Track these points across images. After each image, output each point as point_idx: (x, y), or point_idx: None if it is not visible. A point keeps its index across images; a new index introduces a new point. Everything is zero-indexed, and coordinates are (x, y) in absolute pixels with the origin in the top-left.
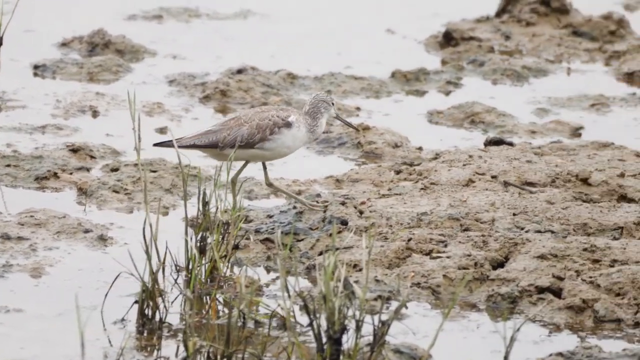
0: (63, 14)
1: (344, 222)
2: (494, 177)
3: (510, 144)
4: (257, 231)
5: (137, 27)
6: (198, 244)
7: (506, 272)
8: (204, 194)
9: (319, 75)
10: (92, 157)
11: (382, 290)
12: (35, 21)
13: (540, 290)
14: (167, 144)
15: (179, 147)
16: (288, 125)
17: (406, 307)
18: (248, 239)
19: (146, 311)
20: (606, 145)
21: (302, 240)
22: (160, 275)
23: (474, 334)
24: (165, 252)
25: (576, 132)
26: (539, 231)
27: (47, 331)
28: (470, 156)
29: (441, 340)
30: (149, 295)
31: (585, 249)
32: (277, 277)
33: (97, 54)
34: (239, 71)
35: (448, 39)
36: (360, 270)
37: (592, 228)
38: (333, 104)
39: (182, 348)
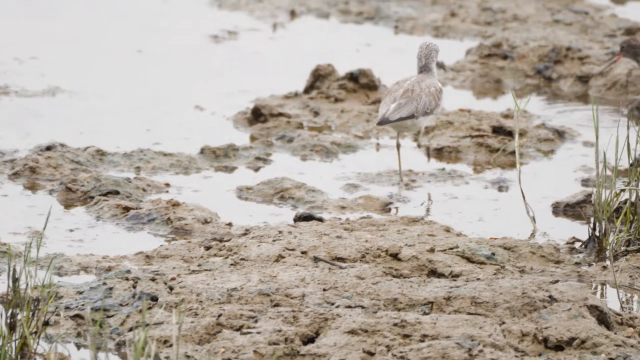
0: None
1: (154, 298)
2: (304, 252)
3: (320, 220)
4: (67, 307)
5: None
6: (8, 321)
7: (317, 347)
8: (14, 270)
9: (128, 151)
10: None
11: None
12: None
13: None
14: (385, 122)
15: (390, 122)
16: (442, 90)
17: None
18: (58, 315)
19: None
20: (416, 220)
21: (113, 316)
22: None
23: None
24: None
25: (386, 207)
26: (349, 306)
27: None
28: (280, 232)
29: None
30: None
31: (395, 324)
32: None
33: None
34: (48, 148)
35: (257, 115)
36: (171, 346)
37: (402, 303)
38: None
39: None
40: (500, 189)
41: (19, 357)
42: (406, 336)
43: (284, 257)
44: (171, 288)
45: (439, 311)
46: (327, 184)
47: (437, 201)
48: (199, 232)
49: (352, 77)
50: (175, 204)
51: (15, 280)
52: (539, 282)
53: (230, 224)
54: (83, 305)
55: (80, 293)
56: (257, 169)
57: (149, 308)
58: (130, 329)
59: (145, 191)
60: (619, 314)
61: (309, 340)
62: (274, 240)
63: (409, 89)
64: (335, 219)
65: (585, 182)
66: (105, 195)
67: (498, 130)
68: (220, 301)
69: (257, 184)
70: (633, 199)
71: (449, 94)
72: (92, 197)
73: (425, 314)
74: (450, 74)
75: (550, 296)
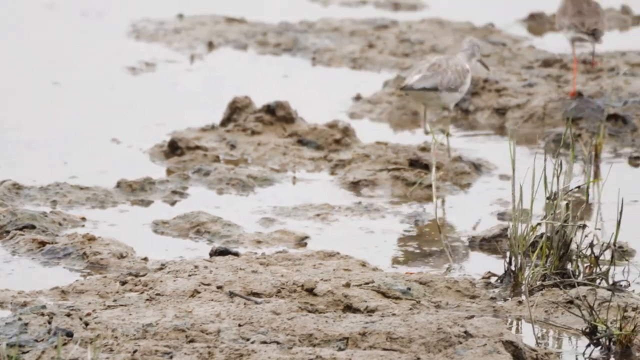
0: None
1: (70, 334)
2: (219, 287)
3: (236, 254)
4: None
5: None
6: None
7: None
8: None
9: (45, 185)
10: None
11: None
12: None
13: None
14: (408, 88)
15: (413, 90)
16: (468, 71)
17: None
18: None
19: None
20: (332, 255)
21: (28, 352)
22: None
23: None
24: None
25: (302, 241)
26: (264, 342)
27: None
28: (196, 266)
29: None
30: None
31: None
32: None
33: None
34: None
35: (173, 148)
36: None
37: (317, 339)
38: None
39: None
40: (416, 223)
41: None
42: None
43: (199, 292)
44: (87, 323)
45: (354, 347)
46: (243, 218)
47: (353, 235)
48: (114, 267)
49: (269, 109)
50: (91, 239)
51: None
52: (455, 317)
53: (146, 259)
54: None
55: None
56: (173, 203)
57: (64, 344)
58: None
59: (62, 225)
60: (534, 350)
61: None
62: (189, 275)
63: (435, 63)
64: (251, 253)
65: (501, 216)
66: (21, 229)
67: (415, 164)
68: (136, 337)
69: (173, 218)
70: (549, 233)
71: (365, 127)
72: (8, 232)
73: (340, 349)
74: (367, 106)
75: (465, 331)
